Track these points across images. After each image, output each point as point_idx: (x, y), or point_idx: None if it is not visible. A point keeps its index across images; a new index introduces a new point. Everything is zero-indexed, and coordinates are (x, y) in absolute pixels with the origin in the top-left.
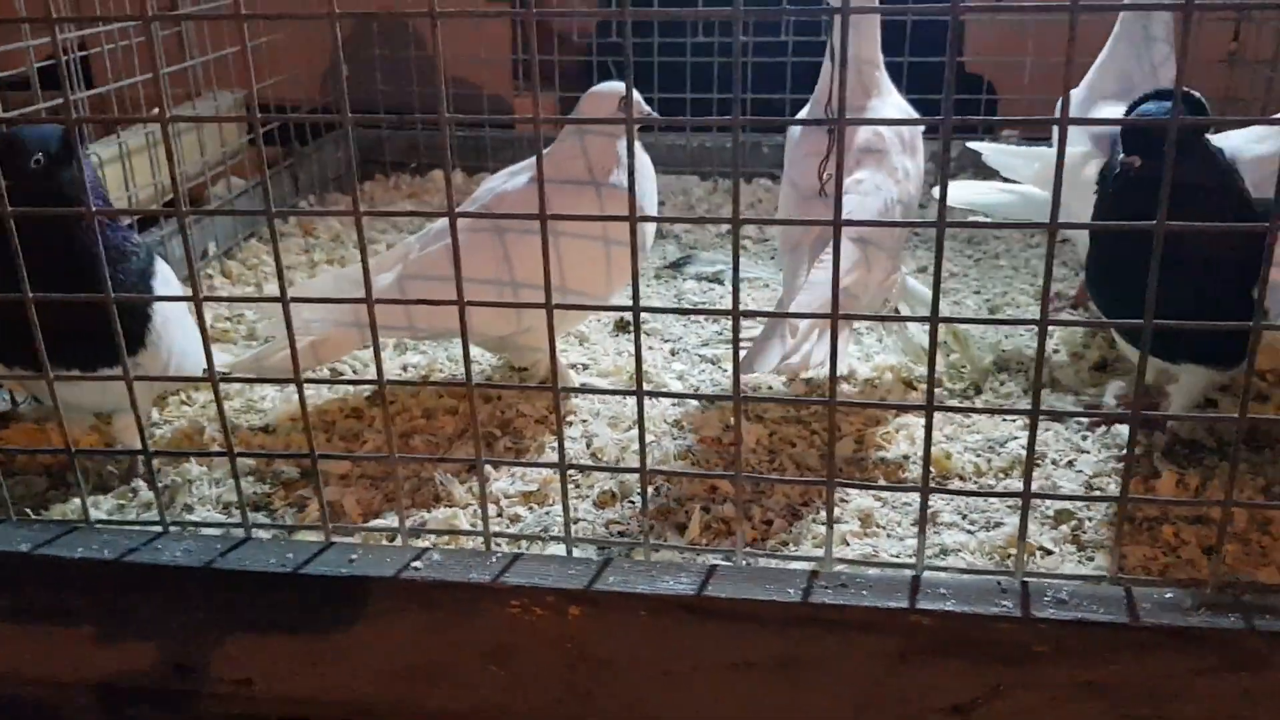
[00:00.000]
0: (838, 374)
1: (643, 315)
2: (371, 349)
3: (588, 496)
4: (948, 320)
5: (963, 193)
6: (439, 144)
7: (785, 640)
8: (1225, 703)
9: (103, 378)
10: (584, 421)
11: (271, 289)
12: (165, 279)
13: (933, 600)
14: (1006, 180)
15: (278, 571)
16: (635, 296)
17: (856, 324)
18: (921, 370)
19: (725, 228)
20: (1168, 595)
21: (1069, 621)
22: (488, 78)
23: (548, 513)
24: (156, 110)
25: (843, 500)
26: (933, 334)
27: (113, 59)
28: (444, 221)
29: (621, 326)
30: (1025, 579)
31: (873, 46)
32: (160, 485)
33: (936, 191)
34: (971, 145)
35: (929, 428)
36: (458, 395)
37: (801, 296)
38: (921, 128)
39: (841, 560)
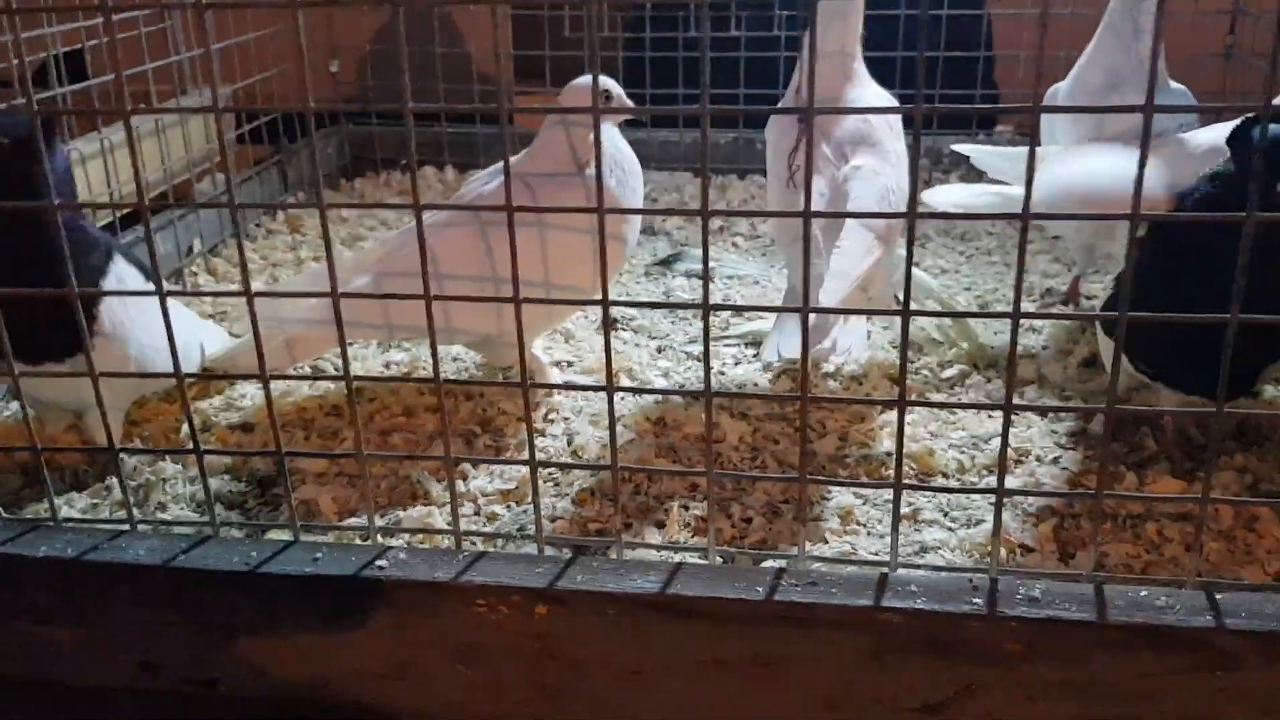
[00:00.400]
0: (858, 364)
1: (630, 312)
2: (351, 348)
3: (567, 495)
4: (918, 314)
5: (950, 196)
6: (430, 139)
7: (755, 639)
8: (1199, 702)
9: (50, 373)
10: (565, 419)
11: (258, 288)
12: (119, 279)
13: (903, 598)
14: (995, 181)
15: (238, 571)
16: (604, 290)
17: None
18: (919, 360)
19: (718, 223)
20: (1142, 594)
21: (1041, 620)
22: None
23: (525, 511)
24: (125, 105)
25: (823, 498)
26: (904, 329)
27: (108, 54)
28: (426, 215)
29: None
30: (998, 577)
31: (852, 38)
32: (134, 484)
33: (927, 195)
34: (957, 148)
35: (900, 423)
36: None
37: (828, 284)
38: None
39: (819, 558)
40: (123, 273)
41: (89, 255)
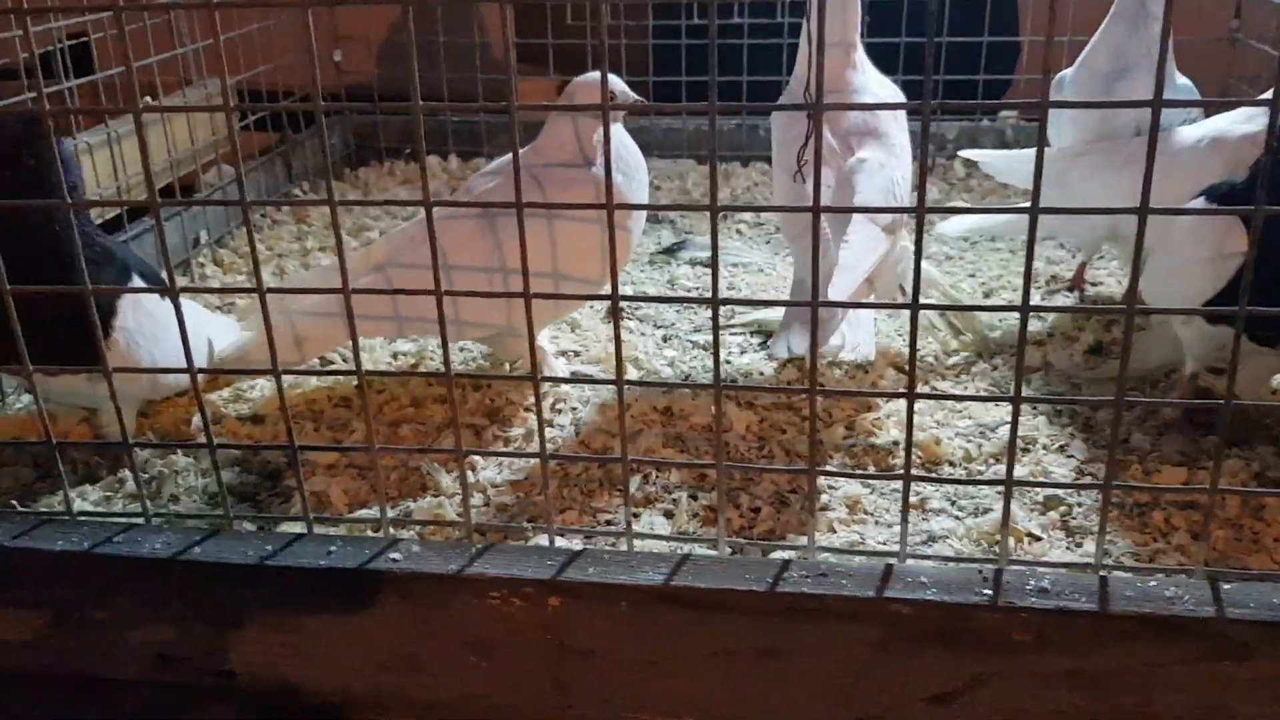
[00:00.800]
0: (869, 358)
1: (659, 302)
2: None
3: (576, 485)
4: (927, 306)
5: (958, 228)
6: (434, 127)
7: (765, 630)
8: (1209, 692)
9: (65, 369)
10: (573, 409)
11: (265, 279)
12: (135, 299)
13: (913, 590)
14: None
15: (252, 564)
16: (614, 286)
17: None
18: (925, 348)
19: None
20: (1151, 584)
21: (1050, 610)
22: (496, 60)
23: (534, 502)
24: (136, 103)
25: (831, 487)
26: (913, 323)
27: (116, 44)
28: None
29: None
30: (1007, 567)
31: (853, 26)
32: (147, 476)
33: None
34: (965, 154)
35: (910, 416)
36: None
37: (836, 279)
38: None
39: (827, 549)
40: (139, 292)
41: (103, 270)
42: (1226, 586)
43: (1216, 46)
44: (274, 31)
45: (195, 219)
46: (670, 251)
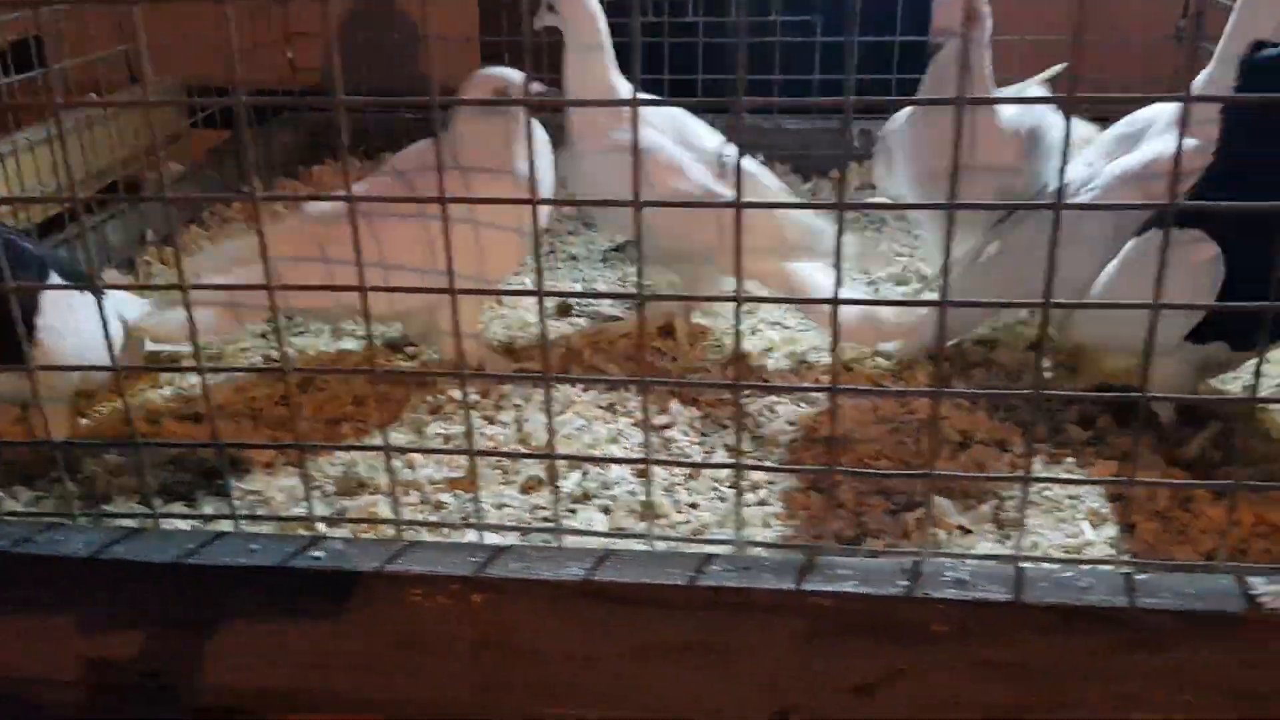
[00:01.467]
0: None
1: (587, 298)
2: (295, 334)
3: (514, 482)
4: (846, 302)
5: None
6: (388, 126)
7: (689, 624)
8: (1125, 682)
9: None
10: (517, 406)
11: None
12: (53, 297)
13: (833, 582)
14: None
15: (171, 563)
16: (539, 282)
17: None
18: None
19: None
20: (1066, 574)
21: (967, 602)
22: (456, 58)
23: (472, 499)
24: (54, 99)
25: (770, 482)
26: (834, 318)
27: (51, 44)
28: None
29: (563, 310)
30: (927, 560)
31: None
32: (81, 475)
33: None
34: None
35: (834, 410)
36: (390, 382)
37: None
38: None
39: (757, 543)
40: (55, 296)
41: (20, 273)
42: (1141, 576)
43: (1164, 44)
44: (224, 27)
45: (142, 216)
46: (621, 249)
